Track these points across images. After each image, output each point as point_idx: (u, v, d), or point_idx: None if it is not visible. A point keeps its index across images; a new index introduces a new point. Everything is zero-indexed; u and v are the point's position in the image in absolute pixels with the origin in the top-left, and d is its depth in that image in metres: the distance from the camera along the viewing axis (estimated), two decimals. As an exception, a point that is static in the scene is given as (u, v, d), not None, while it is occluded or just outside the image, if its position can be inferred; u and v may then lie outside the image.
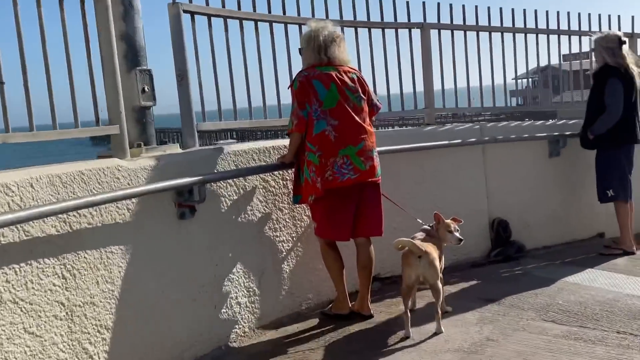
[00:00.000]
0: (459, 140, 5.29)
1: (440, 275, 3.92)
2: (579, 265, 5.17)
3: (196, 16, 4.03)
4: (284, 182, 4.26)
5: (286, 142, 4.12)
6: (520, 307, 4.15)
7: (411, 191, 5.00)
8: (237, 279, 3.91)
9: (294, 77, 4.05)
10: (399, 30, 5.36)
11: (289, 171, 4.22)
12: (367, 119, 4.07)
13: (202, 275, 3.71)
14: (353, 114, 3.95)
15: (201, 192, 3.56)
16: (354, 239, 4.14)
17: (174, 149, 3.90)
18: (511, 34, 5.92)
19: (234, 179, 3.91)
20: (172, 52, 3.91)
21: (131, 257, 3.31)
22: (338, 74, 3.95)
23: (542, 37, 6.13)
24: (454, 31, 5.63)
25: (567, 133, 5.82)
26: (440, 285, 3.83)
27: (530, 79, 6.94)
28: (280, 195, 4.23)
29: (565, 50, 6.29)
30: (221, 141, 4.37)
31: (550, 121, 6.05)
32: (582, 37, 6.30)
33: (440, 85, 5.66)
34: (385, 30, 5.27)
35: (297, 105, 3.91)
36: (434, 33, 5.52)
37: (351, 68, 4.08)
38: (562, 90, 6.68)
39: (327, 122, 3.88)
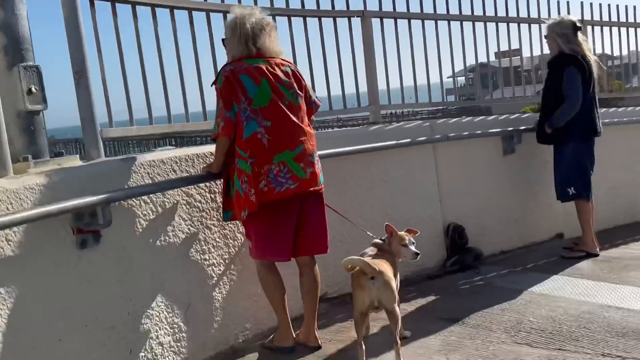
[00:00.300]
0: (409, 140, 4.78)
1: (397, 297, 3.39)
2: (542, 272, 4.75)
3: (96, 1, 3.36)
4: (212, 196, 3.64)
5: (212, 148, 3.50)
6: (488, 327, 3.66)
7: (358, 199, 4.47)
8: (158, 314, 3.26)
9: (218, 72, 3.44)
10: (338, 19, 4.80)
11: (217, 182, 3.60)
12: (306, 119, 3.49)
13: (112, 315, 3.04)
14: (289, 113, 3.37)
15: (106, 213, 2.91)
16: (295, 258, 3.56)
17: (73, 161, 3.20)
18: (458, 23, 5.47)
19: (150, 195, 3.27)
20: (67, 45, 3.23)
21: (15, 301, 2.63)
22: (269, 67, 3.37)
23: (491, 26, 5.71)
24: (398, 20, 5.12)
25: (522, 127, 5.40)
26: (398, 310, 3.30)
27: (477, 74, 6.49)
28: (207, 211, 3.61)
29: (514, 39, 5.89)
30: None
31: (504, 115, 5.61)
32: (532, 25, 5.92)
33: (385, 81, 5.14)
34: (322, 19, 4.71)
35: (223, 105, 3.30)
36: (375, 22, 4.98)
37: (284, 60, 3.50)
38: (494, 88, 6.33)
39: (259, 123, 3.29)
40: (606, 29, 6.56)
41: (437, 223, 5.03)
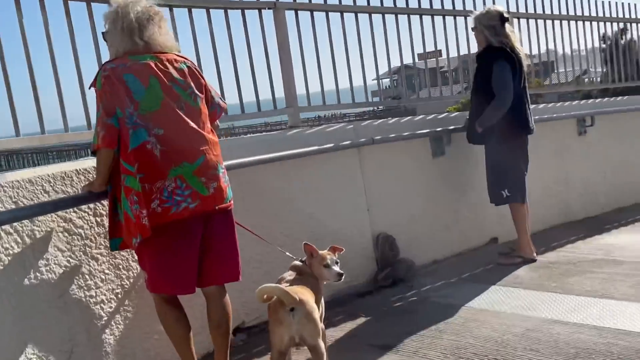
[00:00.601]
0: (331, 145, 4.31)
1: (322, 327, 2.91)
2: (478, 282, 4.40)
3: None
4: (98, 220, 3.05)
5: (94, 162, 2.91)
6: (425, 355, 3.23)
7: (278, 213, 3.98)
8: (29, 370, 2.65)
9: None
10: (247, 11, 4.28)
11: (104, 203, 3.02)
12: (208, 124, 2.96)
13: (-37, 378, 2.43)
14: (186, 118, 2.83)
15: (-54, 252, 2.29)
16: (201, 288, 3.02)
17: None
18: (380, 16, 5.06)
19: (13, 224, 2.65)
20: None
21: None
22: (160, 64, 2.82)
23: (415, 20, 5.35)
24: (314, 12, 4.65)
25: (451, 127, 5.04)
26: (322, 345, 2.81)
27: (403, 73, 6.08)
28: (92, 238, 3.02)
29: (440, 35, 5.54)
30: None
31: (432, 115, 5.24)
32: (457, 18, 5.60)
33: (304, 80, 4.66)
34: (229, 11, 4.19)
35: (103, 111, 2.73)
36: (289, 15, 4.50)
37: (179, 56, 2.96)
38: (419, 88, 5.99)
39: (149, 131, 2.73)
40: (532, 22, 6.33)
41: (366, 234, 4.60)
